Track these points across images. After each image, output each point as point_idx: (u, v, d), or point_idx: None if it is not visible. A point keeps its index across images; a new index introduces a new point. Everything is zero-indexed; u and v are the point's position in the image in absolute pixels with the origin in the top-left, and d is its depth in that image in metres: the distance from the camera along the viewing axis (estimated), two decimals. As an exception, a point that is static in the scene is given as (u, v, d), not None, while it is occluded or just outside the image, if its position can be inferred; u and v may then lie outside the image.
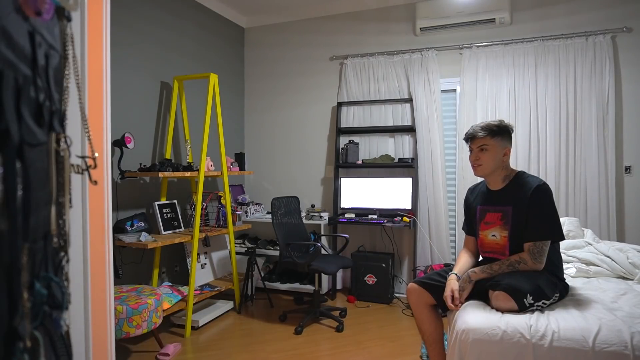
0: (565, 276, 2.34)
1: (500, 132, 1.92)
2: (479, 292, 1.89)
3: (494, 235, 1.98)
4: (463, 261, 2.09)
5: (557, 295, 1.83)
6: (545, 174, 3.65)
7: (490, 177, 1.99)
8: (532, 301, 1.70)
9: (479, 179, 2.16)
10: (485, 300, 1.84)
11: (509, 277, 1.78)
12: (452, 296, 1.90)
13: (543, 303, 1.74)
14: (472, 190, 2.19)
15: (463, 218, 2.29)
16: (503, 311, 1.71)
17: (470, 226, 2.16)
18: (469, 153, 2.03)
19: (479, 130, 1.93)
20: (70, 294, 0.67)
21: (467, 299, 1.91)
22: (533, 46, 3.68)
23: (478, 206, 2.07)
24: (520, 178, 1.95)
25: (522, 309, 1.69)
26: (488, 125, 1.92)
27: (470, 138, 1.97)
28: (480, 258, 2.14)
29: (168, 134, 3.56)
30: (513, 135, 3.64)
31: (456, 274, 1.98)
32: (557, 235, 1.88)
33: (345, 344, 2.97)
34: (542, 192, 1.85)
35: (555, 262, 1.94)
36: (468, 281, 1.90)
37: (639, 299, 1.85)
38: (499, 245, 1.97)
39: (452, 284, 1.93)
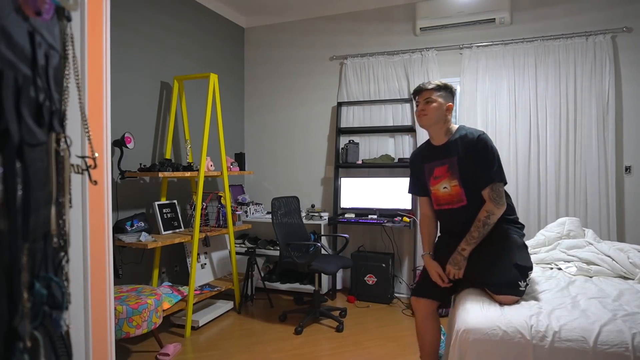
0: (564, 272, 2.36)
1: (445, 89, 2.09)
2: (474, 282, 1.99)
3: (445, 188, 2.09)
4: (427, 233, 2.22)
5: (530, 262, 1.98)
6: (545, 174, 3.65)
7: (432, 128, 2.10)
8: (525, 282, 1.86)
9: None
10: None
11: (495, 274, 1.87)
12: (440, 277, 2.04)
13: (529, 275, 1.91)
14: (415, 153, 2.30)
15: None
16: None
17: (420, 186, 2.25)
18: (415, 108, 2.15)
19: (427, 84, 2.09)
20: (70, 294, 0.67)
21: (464, 287, 2.01)
22: (533, 46, 3.68)
23: (425, 164, 2.18)
24: (461, 130, 2.07)
25: (521, 295, 1.84)
26: (434, 82, 2.10)
27: (417, 91, 2.11)
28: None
29: (168, 134, 3.56)
30: (513, 135, 3.72)
31: (429, 254, 2.13)
32: (502, 177, 2.00)
33: (345, 344, 2.97)
34: (484, 140, 1.98)
35: (509, 204, 2.05)
36: (463, 259, 1.99)
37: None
38: (451, 195, 2.08)
39: (434, 266, 2.07)
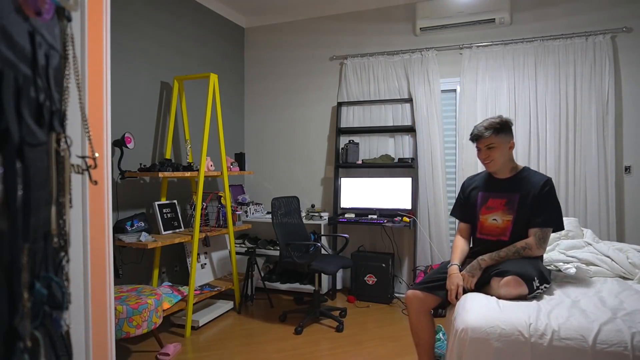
0: (564, 275, 2.37)
1: (503, 128, 2.07)
2: (478, 284, 1.97)
3: (494, 219, 2.11)
4: (460, 249, 2.18)
5: (550, 281, 1.99)
6: (545, 174, 3.64)
7: (500, 169, 2.14)
8: (539, 284, 1.83)
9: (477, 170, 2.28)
10: (486, 290, 1.92)
11: (514, 265, 1.88)
12: (457, 289, 1.98)
13: (544, 287, 1.88)
14: (471, 178, 2.33)
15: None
16: (511, 297, 1.80)
17: (465, 213, 2.27)
18: (476, 151, 2.16)
19: (484, 130, 2.07)
20: (70, 294, 0.67)
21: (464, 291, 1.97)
22: (533, 46, 3.68)
23: (480, 192, 2.20)
24: (527, 171, 2.13)
25: (531, 292, 1.81)
26: (491, 124, 2.07)
27: (477, 138, 2.10)
28: (471, 245, 2.26)
29: (168, 134, 3.56)
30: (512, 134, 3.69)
31: (458, 265, 2.07)
32: (561, 225, 2.07)
33: (345, 344, 2.97)
34: (551, 186, 2.05)
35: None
36: (478, 268, 1.99)
37: (639, 298, 1.85)
38: (499, 228, 2.10)
39: (457, 277, 2.00)
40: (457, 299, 1.94)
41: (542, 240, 1.99)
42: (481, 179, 2.25)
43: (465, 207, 2.27)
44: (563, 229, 2.08)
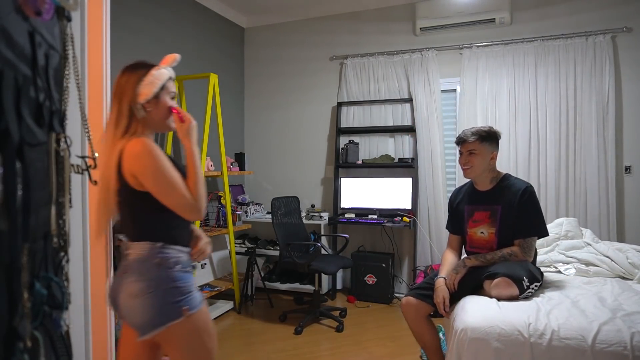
0: (563, 276, 2.37)
1: (489, 138, 2.07)
2: (473, 286, 1.97)
3: (482, 232, 2.11)
4: (449, 263, 2.17)
5: (541, 280, 1.99)
6: (545, 174, 3.65)
7: (478, 178, 2.13)
8: (529, 284, 1.84)
9: (465, 180, 2.32)
10: (479, 294, 1.92)
11: (504, 267, 1.89)
12: (444, 302, 1.98)
13: (535, 286, 1.89)
14: (457, 192, 2.32)
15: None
16: (502, 298, 1.81)
17: (455, 225, 2.27)
18: (459, 155, 2.15)
19: (470, 135, 2.07)
20: (70, 294, 0.67)
21: (462, 293, 1.97)
22: (533, 46, 3.67)
23: (465, 206, 2.19)
24: (507, 180, 2.10)
25: (521, 292, 1.82)
26: (478, 131, 2.07)
27: (461, 142, 2.10)
28: (464, 255, 2.24)
29: (168, 133, 3.56)
30: (513, 135, 3.71)
31: (444, 278, 2.06)
32: (544, 231, 2.07)
33: (345, 344, 2.97)
34: (530, 193, 2.02)
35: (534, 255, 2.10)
36: (462, 266, 2.02)
37: (639, 298, 1.85)
38: (486, 241, 2.10)
39: (442, 290, 2.01)
40: (445, 310, 1.96)
41: (528, 249, 1.99)
42: (465, 192, 2.25)
43: (455, 219, 2.28)
44: (547, 234, 2.09)
